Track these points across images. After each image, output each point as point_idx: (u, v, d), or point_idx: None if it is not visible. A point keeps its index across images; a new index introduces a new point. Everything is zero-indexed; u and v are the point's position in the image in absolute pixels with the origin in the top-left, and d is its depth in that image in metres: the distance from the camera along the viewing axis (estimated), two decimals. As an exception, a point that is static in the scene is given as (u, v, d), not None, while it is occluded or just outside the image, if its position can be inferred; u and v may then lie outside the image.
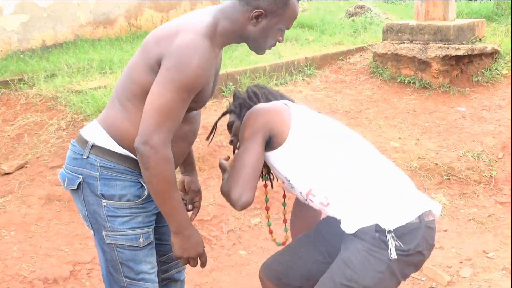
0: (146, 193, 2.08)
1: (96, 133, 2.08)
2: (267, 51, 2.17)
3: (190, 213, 2.45)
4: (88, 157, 2.06)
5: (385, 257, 2.06)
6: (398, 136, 5.29)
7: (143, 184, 2.07)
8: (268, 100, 2.36)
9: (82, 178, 2.07)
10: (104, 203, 2.06)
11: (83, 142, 2.09)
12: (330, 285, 2.15)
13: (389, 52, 6.35)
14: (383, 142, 5.12)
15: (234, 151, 2.45)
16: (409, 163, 4.86)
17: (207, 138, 2.56)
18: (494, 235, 4.22)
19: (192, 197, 2.45)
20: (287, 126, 2.18)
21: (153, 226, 2.16)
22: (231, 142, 2.42)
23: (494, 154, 5.08)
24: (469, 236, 4.20)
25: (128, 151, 2.04)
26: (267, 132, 2.17)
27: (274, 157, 2.23)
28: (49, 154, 4.75)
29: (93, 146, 2.06)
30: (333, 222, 2.22)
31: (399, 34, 6.45)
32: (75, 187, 2.09)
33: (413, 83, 6.24)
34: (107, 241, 2.10)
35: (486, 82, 6.14)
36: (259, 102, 2.34)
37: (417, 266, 2.20)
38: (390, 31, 6.53)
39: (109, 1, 8.13)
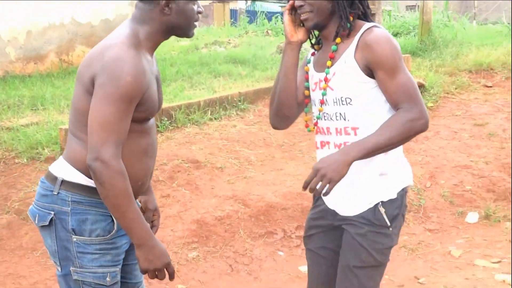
0: (116, 227, 2.10)
1: (64, 169, 2.10)
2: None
3: None
4: (58, 193, 2.07)
5: (388, 232, 2.38)
6: (330, 167, 5.39)
7: (114, 219, 2.09)
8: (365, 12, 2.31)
9: (54, 214, 2.07)
10: (75, 239, 2.06)
11: (53, 178, 2.10)
12: (347, 271, 2.30)
13: (320, 87, 6.51)
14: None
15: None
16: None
17: None
18: (425, 261, 4.37)
19: (149, 216, 2.45)
20: None
21: (120, 265, 2.17)
22: (300, 7, 2.28)
23: (422, 184, 5.29)
24: (400, 263, 4.33)
25: None
26: None
27: (370, 85, 2.20)
28: (-21, 192, 4.62)
29: (62, 181, 2.07)
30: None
31: (329, 69, 6.64)
32: (47, 223, 2.09)
33: (344, 116, 6.40)
34: (75, 277, 2.09)
35: (413, 115, 6.38)
36: None
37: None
38: (321, 66, 6.71)
39: (40, 37, 8.04)
